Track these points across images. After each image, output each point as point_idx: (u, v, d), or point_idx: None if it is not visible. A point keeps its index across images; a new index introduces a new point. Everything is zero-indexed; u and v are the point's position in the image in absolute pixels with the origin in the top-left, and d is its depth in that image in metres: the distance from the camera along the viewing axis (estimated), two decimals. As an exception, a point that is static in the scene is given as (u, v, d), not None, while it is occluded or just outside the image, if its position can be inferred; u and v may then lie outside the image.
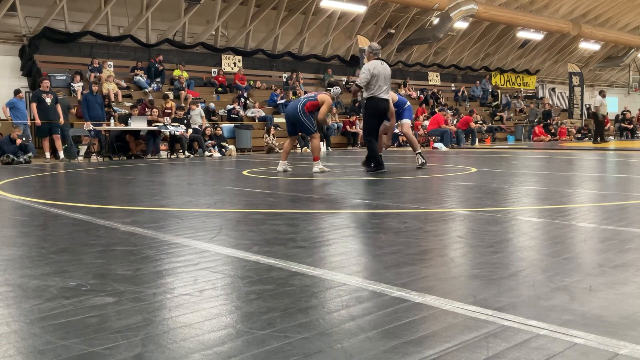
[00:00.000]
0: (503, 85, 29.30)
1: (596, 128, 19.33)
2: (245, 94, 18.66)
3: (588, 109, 20.24)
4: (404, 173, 8.14)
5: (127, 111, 14.88)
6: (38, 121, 12.51)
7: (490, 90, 27.70)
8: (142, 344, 1.65)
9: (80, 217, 4.17)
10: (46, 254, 2.92)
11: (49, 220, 4.16)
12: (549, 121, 24.24)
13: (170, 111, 15.40)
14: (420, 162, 8.79)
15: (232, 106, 17.61)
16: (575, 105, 27.90)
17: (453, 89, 26.96)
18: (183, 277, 2.41)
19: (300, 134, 9.50)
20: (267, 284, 2.26)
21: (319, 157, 8.46)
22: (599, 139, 18.72)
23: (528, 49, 29.19)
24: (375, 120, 8.02)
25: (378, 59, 7.92)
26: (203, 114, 16.09)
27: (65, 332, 1.76)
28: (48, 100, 12.67)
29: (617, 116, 27.23)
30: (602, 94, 19.86)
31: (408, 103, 9.66)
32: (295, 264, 2.58)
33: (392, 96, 9.61)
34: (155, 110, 14.58)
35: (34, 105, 12.63)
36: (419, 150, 8.99)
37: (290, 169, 8.56)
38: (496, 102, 26.42)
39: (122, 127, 13.66)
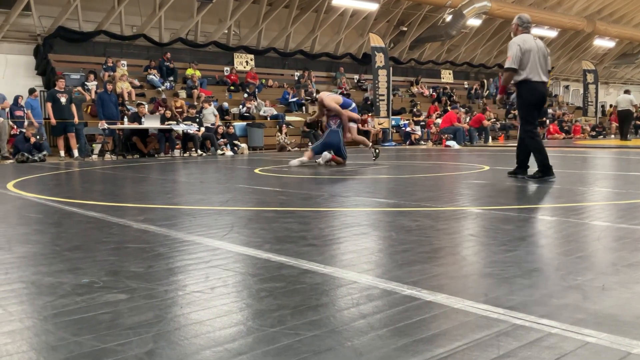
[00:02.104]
0: (516, 82, 29.09)
1: (628, 124, 19.65)
2: (249, 90, 18.61)
3: (615, 106, 20.45)
4: (415, 171, 8.12)
5: (135, 109, 14.92)
6: (53, 120, 12.63)
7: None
8: (154, 341, 1.66)
9: (94, 215, 4.20)
10: (60, 251, 2.95)
11: (63, 218, 4.20)
12: (544, 119, 24.00)
13: (180, 109, 15.46)
14: (376, 152, 9.80)
15: (247, 106, 17.65)
16: (589, 103, 27.63)
17: (466, 86, 26.83)
18: (195, 275, 2.42)
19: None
20: (278, 282, 2.27)
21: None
22: (627, 135, 19.16)
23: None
24: (532, 110, 6.28)
25: (528, 32, 6.33)
26: (216, 113, 16.15)
27: (78, 328, 1.78)
28: (63, 99, 12.80)
29: (632, 114, 26.95)
30: (629, 92, 20.24)
31: (353, 105, 9.81)
32: (306, 262, 2.58)
33: (336, 99, 9.58)
34: (168, 112, 14.65)
35: (49, 104, 12.75)
36: (370, 144, 9.98)
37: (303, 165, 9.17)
38: (487, 91, 26.08)
39: (136, 125, 13.74)
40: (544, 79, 6.23)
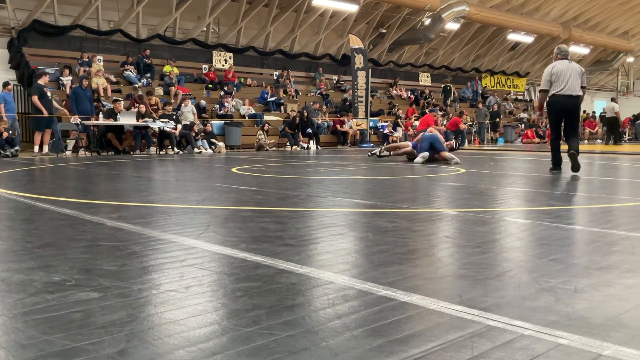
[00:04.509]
0: (493, 87, 29.43)
1: (616, 130, 21.22)
2: (226, 90, 18.51)
3: (605, 114, 21.97)
4: (392, 173, 8.16)
5: (110, 105, 14.75)
6: (46, 113, 12.74)
7: (480, 92, 27.76)
8: (127, 340, 1.64)
9: (67, 212, 4.14)
10: (31, 249, 2.90)
11: (34, 215, 4.13)
12: (497, 120, 24.20)
13: (155, 107, 15.31)
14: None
15: (227, 104, 17.56)
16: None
17: (443, 89, 27.02)
18: (169, 274, 2.40)
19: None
20: (253, 282, 2.26)
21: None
22: (616, 139, 20.77)
23: (518, 51, 29.37)
24: (554, 118, 7.80)
25: (565, 59, 7.79)
26: (195, 111, 16.05)
27: (49, 327, 1.75)
28: (49, 94, 12.88)
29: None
30: (615, 100, 21.92)
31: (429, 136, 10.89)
32: (282, 262, 2.58)
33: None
34: (142, 108, 14.49)
35: (35, 97, 12.70)
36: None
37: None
38: (450, 98, 25.95)
39: (111, 122, 13.57)
40: (569, 92, 7.56)
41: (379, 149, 12.03)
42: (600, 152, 15.26)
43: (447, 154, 10.19)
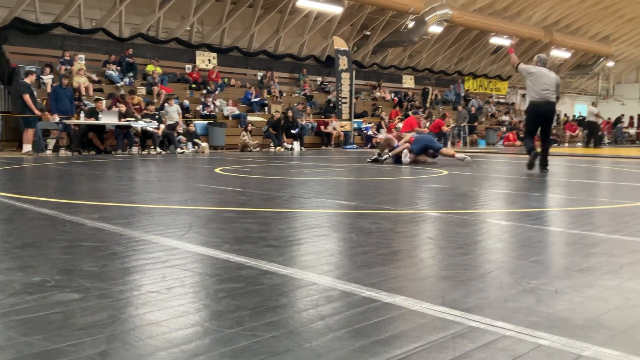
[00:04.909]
0: (475, 90, 29.66)
1: (595, 134, 21.86)
2: (208, 89, 18.44)
3: (584, 117, 22.56)
4: (376, 174, 8.18)
5: (92, 104, 14.61)
6: (37, 112, 12.72)
7: (463, 94, 27.94)
8: (107, 341, 1.62)
9: (47, 212, 4.09)
10: (10, 249, 2.86)
11: (14, 215, 4.07)
12: (475, 123, 24.38)
13: (138, 106, 15.18)
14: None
15: (209, 104, 17.48)
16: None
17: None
18: (151, 274, 2.38)
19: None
20: (236, 283, 2.25)
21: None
22: (596, 142, 21.45)
23: (501, 54, 29.62)
24: (530, 122, 8.61)
25: (544, 67, 8.46)
26: (180, 110, 15.95)
27: (28, 328, 1.72)
28: (36, 93, 12.82)
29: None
30: (595, 104, 22.83)
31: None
32: (265, 263, 2.57)
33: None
34: (122, 106, 14.34)
35: (27, 96, 12.64)
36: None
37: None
38: (428, 100, 25.86)
39: (92, 121, 13.42)
40: (549, 99, 8.23)
41: (376, 155, 11.59)
42: (580, 155, 15.45)
43: (458, 154, 10.34)
